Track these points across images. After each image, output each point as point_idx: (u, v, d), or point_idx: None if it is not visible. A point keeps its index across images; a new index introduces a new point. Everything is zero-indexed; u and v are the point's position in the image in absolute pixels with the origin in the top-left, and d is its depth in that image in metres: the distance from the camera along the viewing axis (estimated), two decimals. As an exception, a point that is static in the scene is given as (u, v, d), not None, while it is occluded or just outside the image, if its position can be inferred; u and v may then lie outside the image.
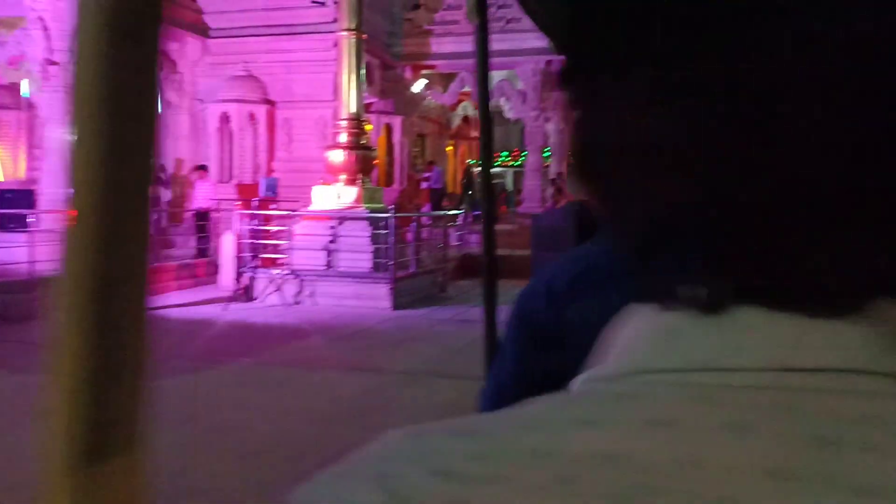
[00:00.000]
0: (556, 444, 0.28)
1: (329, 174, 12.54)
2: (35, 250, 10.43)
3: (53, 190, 12.55)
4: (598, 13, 0.31)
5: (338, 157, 12.17)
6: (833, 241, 0.27)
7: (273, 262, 12.09)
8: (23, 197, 12.38)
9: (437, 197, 19.22)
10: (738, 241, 0.28)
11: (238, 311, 10.66)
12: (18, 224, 11.00)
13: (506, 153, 38.26)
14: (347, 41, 11.93)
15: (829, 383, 0.27)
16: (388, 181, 17.81)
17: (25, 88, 13.82)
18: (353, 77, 12.14)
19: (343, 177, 12.14)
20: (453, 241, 16.48)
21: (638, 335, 0.31)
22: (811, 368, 0.27)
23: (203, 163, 15.18)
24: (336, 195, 12.18)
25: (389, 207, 11.68)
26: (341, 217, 11.91)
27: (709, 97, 0.28)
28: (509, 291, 1.33)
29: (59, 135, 12.58)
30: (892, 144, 0.27)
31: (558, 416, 0.29)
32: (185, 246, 14.10)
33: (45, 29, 11.97)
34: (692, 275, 0.29)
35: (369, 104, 16.35)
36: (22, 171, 13.93)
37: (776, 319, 0.28)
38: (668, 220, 0.29)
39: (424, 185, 19.48)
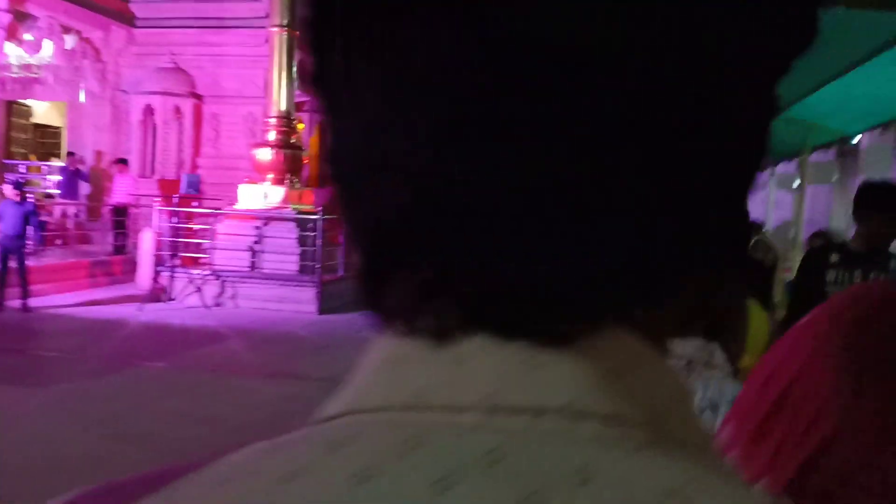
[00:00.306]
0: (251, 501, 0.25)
1: (256, 173, 12.19)
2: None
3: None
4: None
5: (266, 155, 11.84)
6: (545, 252, 0.24)
7: (194, 262, 11.66)
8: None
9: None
10: (460, 256, 0.25)
11: (154, 312, 10.21)
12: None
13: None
14: (279, 37, 11.65)
15: (543, 426, 0.24)
16: (321, 182, 17.49)
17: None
18: (285, 74, 11.85)
19: (270, 176, 11.82)
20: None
21: (370, 365, 0.28)
22: (524, 408, 0.24)
23: (123, 156, 14.54)
24: (263, 194, 11.85)
25: (318, 209, 11.42)
26: (267, 217, 11.59)
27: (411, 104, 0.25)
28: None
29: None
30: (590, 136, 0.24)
31: (260, 468, 0.26)
32: (103, 242, 13.47)
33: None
34: (426, 295, 0.26)
35: (303, 102, 16.02)
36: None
37: (497, 349, 0.25)
38: (391, 229, 0.27)
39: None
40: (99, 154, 15.05)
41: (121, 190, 13.45)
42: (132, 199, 13.39)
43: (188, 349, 8.00)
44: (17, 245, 9.85)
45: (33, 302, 10.06)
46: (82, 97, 14.82)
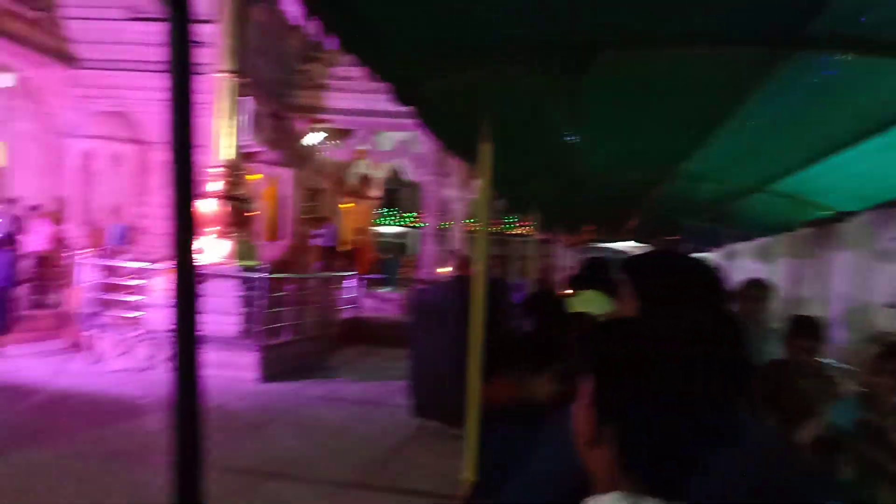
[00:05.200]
0: None
1: (198, 226, 11.30)
2: None
3: None
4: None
5: (208, 207, 10.98)
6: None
7: (124, 320, 10.64)
8: None
9: (329, 255, 18.16)
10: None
11: (73, 376, 9.14)
12: None
13: (411, 214, 37.83)
14: (224, 83, 10.94)
15: None
16: (275, 236, 16.63)
17: None
18: (229, 122, 11.11)
19: (210, 229, 10.94)
20: (343, 304, 15.42)
21: None
22: None
23: (58, 202, 13.53)
24: (202, 249, 10.95)
25: (262, 265, 10.54)
26: (207, 274, 10.65)
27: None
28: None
29: None
30: None
31: None
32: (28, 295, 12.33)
33: None
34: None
35: (256, 153, 15.28)
36: None
37: None
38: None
39: (316, 241, 18.37)
40: (17, 200, 13.84)
41: (40, 237, 12.38)
42: (51, 246, 12.31)
43: (93, 427, 6.98)
44: None
45: None
46: (18, 138, 13.85)
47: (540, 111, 2.56)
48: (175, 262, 1.02)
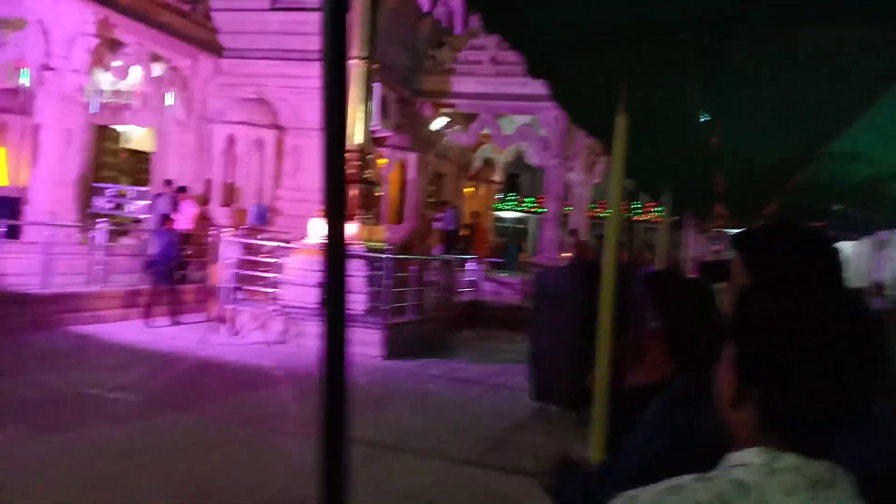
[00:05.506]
0: None
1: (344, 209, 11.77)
2: (5, 263, 9.78)
3: (42, 198, 11.93)
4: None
5: (340, 190, 11.42)
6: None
7: (261, 296, 11.31)
8: (5, 204, 11.76)
9: (450, 239, 18.42)
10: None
11: (214, 347, 9.84)
12: (7, 234, 10.41)
13: (531, 199, 37.59)
14: (356, 70, 11.28)
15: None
16: (399, 219, 17.06)
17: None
18: (361, 107, 11.46)
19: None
20: (463, 287, 15.63)
21: None
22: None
23: (206, 184, 14.58)
24: (334, 230, 11.39)
25: (388, 246, 10.85)
26: (337, 254, 11.10)
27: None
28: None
29: (52, 144, 11.99)
30: None
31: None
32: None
33: (45, 32, 11.45)
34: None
35: (384, 138, 15.70)
36: (24, 178, 13.38)
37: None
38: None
39: (437, 224, 18.69)
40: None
41: (186, 217, 13.38)
42: (196, 226, 13.25)
43: (233, 393, 7.49)
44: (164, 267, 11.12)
45: (101, 328, 10.17)
46: (168, 123, 14.97)
47: (677, 86, 2.47)
48: (326, 244, 1.09)
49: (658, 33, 1.92)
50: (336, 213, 1.10)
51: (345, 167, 1.15)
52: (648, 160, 3.64)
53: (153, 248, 11.37)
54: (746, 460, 0.78)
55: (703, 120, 3.16)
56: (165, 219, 11.59)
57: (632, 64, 2.08)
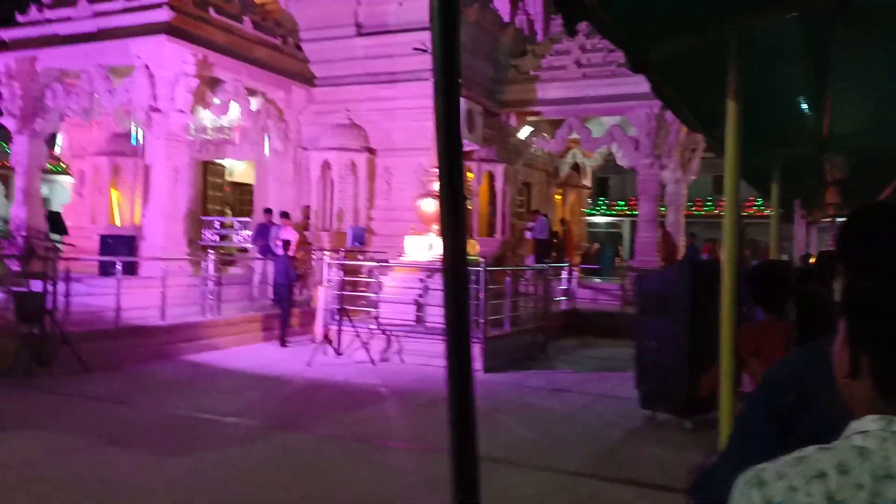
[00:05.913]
0: None
1: (421, 224, 11.95)
2: (125, 297, 10.42)
3: (155, 234, 12.67)
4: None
5: (429, 206, 11.57)
6: None
7: (362, 315, 11.55)
8: (123, 243, 12.56)
9: (542, 248, 18.25)
10: None
11: (321, 368, 10.10)
12: (125, 270, 11.09)
13: (622, 202, 36.78)
14: (442, 85, 11.40)
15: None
16: (490, 231, 17.06)
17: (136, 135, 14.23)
18: (449, 123, 11.57)
19: (435, 227, 11.50)
20: (558, 296, 15.44)
21: None
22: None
23: (306, 209, 15.10)
24: (427, 245, 11.54)
25: (482, 260, 10.86)
26: (431, 269, 11.23)
27: None
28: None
29: (162, 182, 12.74)
30: None
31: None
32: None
33: (151, 76, 12.23)
34: None
35: (471, 152, 15.77)
36: (137, 217, 14.29)
37: None
38: None
39: (528, 235, 18.57)
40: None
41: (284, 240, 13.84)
42: (298, 250, 13.66)
43: (344, 413, 7.64)
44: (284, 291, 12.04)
45: (210, 356, 10.66)
46: (267, 154, 15.60)
47: (786, 67, 2.34)
48: (446, 263, 1.10)
49: (765, 7, 1.82)
50: (456, 229, 1.10)
51: (463, 182, 1.15)
52: (754, 149, 3.47)
53: (276, 275, 12.15)
54: (865, 427, 0.82)
55: (813, 100, 2.99)
56: (285, 245, 12.24)
57: (738, 43, 1.98)
